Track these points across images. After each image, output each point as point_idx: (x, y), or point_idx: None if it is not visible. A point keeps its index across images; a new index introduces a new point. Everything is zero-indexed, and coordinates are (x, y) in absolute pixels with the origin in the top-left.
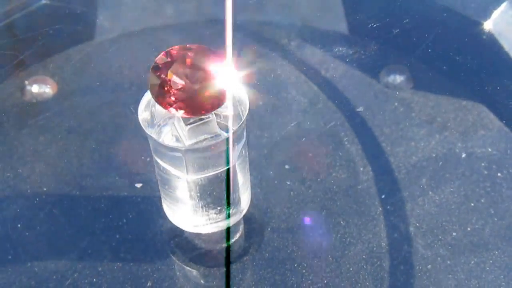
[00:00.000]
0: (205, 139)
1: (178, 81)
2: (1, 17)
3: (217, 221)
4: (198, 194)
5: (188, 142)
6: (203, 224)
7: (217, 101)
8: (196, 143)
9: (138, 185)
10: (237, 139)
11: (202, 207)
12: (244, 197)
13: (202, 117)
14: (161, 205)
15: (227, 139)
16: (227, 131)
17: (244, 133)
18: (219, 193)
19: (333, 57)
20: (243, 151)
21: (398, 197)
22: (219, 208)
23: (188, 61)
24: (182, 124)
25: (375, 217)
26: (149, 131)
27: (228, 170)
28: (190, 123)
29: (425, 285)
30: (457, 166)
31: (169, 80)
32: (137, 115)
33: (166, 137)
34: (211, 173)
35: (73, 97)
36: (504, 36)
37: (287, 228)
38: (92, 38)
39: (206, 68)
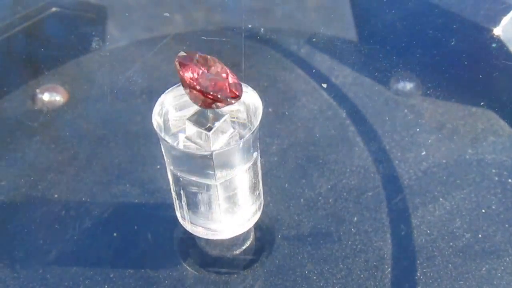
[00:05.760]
0: (228, 138)
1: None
2: (12, 25)
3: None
4: (225, 196)
5: (214, 146)
6: (225, 228)
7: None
8: (223, 145)
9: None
10: (253, 140)
11: (227, 210)
12: (260, 199)
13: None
14: (172, 212)
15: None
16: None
17: (257, 135)
18: (244, 192)
19: (343, 64)
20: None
21: (408, 203)
22: (243, 208)
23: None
24: (199, 130)
25: (385, 224)
26: (176, 145)
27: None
28: (207, 128)
29: None
30: (468, 172)
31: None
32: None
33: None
34: (236, 172)
35: (84, 105)
36: None
37: (298, 235)
38: (103, 46)
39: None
